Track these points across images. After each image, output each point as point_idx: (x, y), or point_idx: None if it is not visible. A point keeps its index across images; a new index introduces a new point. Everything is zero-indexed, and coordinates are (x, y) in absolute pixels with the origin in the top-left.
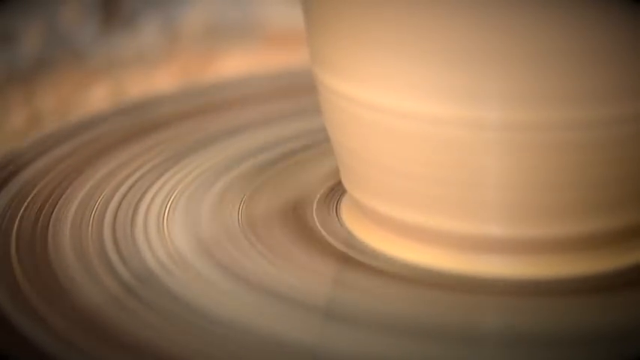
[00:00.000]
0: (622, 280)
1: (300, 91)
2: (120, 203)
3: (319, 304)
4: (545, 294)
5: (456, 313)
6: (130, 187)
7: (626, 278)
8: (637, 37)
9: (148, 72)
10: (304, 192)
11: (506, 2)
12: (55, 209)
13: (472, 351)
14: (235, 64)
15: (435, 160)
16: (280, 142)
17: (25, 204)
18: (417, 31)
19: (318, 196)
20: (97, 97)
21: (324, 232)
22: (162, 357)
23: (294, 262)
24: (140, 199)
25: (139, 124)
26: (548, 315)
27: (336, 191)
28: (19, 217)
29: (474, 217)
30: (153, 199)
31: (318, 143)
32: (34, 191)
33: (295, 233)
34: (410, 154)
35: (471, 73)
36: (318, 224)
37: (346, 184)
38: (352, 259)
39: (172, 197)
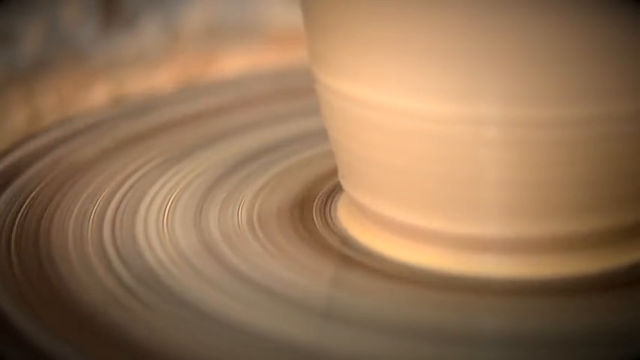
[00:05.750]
0: (622, 280)
1: (299, 91)
2: (120, 203)
3: (318, 303)
4: (544, 294)
5: (455, 313)
6: (130, 188)
7: (626, 278)
8: (637, 36)
9: (148, 72)
10: (303, 192)
11: (505, 1)
12: (56, 209)
13: (472, 351)
14: (235, 64)
15: (434, 159)
16: (280, 142)
17: (26, 204)
18: (417, 29)
19: (318, 196)
20: (97, 97)
21: (322, 232)
22: (162, 357)
23: (293, 262)
24: (140, 200)
25: (139, 125)
26: (548, 315)
27: (335, 191)
28: (19, 217)
29: (474, 216)
30: (153, 199)
31: (318, 143)
32: (35, 191)
33: (294, 233)
34: (409, 153)
35: (470, 71)
36: (316, 224)
37: (345, 184)
38: (350, 259)
39: (172, 197)
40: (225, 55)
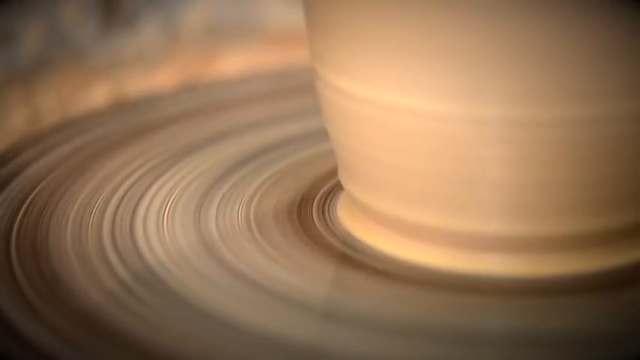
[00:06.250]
0: (622, 279)
1: (299, 91)
2: (120, 203)
3: (318, 303)
4: (545, 293)
5: (456, 312)
6: (130, 187)
7: (626, 278)
8: (637, 37)
9: (148, 72)
10: (303, 191)
11: (507, 1)
12: (55, 209)
13: (472, 350)
14: (235, 64)
15: (434, 157)
16: (280, 142)
17: (26, 204)
18: (418, 28)
19: (318, 195)
20: (97, 97)
21: (322, 231)
22: (162, 356)
23: (293, 261)
24: (140, 199)
25: (139, 124)
26: (548, 314)
27: (335, 190)
28: (19, 217)
29: (474, 215)
30: (153, 199)
31: (318, 143)
32: (34, 191)
33: (294, 232)
34: (409, 151)
35: (471, 71)
36: (317, 223)
37: (345, 182)
38: (351, 257)
39: (172, 197)
40: (225, 55)
